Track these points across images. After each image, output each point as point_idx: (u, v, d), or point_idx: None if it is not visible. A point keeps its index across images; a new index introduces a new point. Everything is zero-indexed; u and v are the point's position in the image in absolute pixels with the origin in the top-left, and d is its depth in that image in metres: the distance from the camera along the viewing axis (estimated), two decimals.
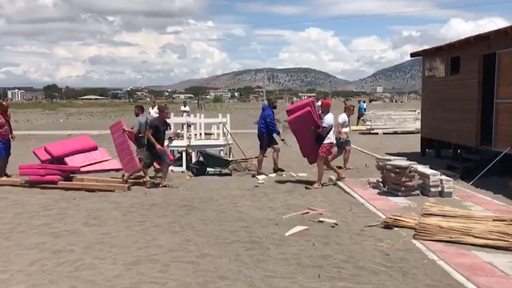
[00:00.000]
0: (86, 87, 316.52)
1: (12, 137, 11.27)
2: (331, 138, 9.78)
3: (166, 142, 11.48)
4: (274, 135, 11.34)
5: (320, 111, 10.15)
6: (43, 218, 7.28)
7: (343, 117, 12.06)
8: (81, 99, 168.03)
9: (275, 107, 11.80)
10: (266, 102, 15.18)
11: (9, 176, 10.79)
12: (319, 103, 26.80)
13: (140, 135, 10.59)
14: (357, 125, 27.82)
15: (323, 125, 9.62)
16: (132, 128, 10.74)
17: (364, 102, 32.56)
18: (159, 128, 9.88)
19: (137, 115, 10.92)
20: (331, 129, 9.72)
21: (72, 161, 11.14)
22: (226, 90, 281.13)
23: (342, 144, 11.84)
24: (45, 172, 9.91)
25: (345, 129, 11.95)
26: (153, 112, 26.75)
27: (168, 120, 10.67)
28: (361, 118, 27.83)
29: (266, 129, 11.10)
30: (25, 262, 5.29)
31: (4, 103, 11.51)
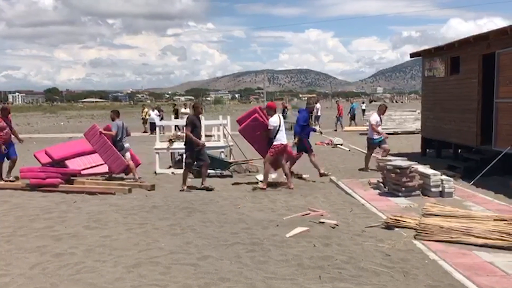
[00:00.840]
0: (86, 90, 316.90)
1: (20, 140, 11.44)
2: (280, 139, 9.79)
3: (168, 144, 11.49)
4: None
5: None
6: (44, 221, 7.29)
7: (374, 117, 12.07)
8: (82, 102, 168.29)
9: (311, 111, 11.77)
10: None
11: (16, 180, 10.73)
12: (318, 105, 26.70)
13: (117, 138, 10.58)
14: (349, 125, 27.90)
15: (269, 127, 9.78)
16: (111, 130, 10.65)
17: (363, 102, 32.56)
18: (195, 124, 9.72)
19: (113, 119, 10.80)
20: (278, 129, 9.74)
21: (73, 164, 11.16)
22: (227, 92, 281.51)
23: (379, 143, 11.82)
24: (46, 175, 9.92)
25: (378, 129, 11.90)
26: (154, 114, 26.85)
27: (168, 122, 10.68)
28: (353, 119, 28.19)
29: (301, 131, 10.89)
30: (26, 265, 5.29)
31: (7, 106, 11.59)
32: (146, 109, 29.23)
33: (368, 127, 12.85)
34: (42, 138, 24.35)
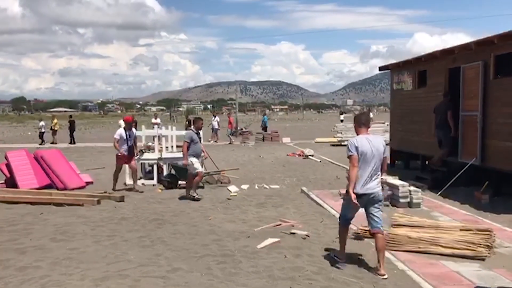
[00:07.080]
0: (55, 99, 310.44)
1: None
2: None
3: (138, 155, 11.31)
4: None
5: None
6: (8, 234, 7.06)
7: None
8: (50, 111, 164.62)
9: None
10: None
11: None
12: (218, 118, 26.59)
13: None
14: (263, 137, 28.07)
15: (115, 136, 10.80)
16: None
17: (341, 114, 32.78)
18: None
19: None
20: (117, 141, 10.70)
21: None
22: (199, 102, 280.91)
23: None
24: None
25: None
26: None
27: (139, 133, 10.55)
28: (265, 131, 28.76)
29: None
30: None
31: None
32: (55, 120, 28.95)
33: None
34: (8, 148, 23.65)
